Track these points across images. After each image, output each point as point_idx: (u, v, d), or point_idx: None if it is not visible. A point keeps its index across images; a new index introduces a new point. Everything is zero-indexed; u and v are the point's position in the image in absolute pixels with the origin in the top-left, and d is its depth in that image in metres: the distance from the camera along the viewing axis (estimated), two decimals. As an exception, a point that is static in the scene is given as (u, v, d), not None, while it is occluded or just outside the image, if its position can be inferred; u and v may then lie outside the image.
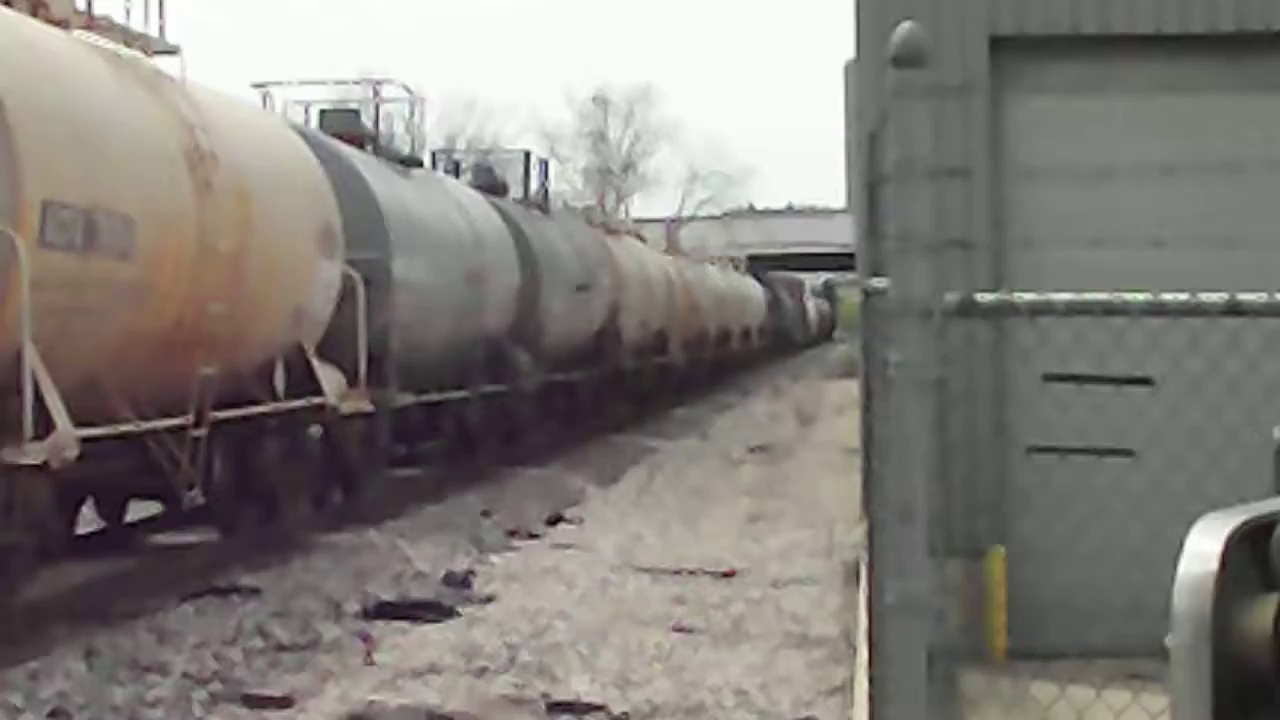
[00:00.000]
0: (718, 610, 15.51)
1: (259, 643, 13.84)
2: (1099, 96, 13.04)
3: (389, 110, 30.38)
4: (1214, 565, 3.32)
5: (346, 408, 20.45)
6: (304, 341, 19.65)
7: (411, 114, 30.26)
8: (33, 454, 13.37)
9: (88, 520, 18.96)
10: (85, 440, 14.01)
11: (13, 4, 15.04)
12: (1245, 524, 3.42)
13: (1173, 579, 3.35)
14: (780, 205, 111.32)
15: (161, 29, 17.54)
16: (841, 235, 74.61)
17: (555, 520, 22.26)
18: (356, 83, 30.04)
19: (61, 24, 15.70)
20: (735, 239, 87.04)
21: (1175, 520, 4.12)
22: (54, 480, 13.97)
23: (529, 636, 14.18)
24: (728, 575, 17.58)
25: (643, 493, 25.85)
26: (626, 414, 40.10)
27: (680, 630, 14.54)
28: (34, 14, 15.32)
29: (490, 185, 32.73)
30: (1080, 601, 11.82)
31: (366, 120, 26.76)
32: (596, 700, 11.95)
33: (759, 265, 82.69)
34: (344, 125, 25.36)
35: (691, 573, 17.70)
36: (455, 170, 33.80)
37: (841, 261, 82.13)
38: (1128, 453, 7.05)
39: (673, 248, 58.24)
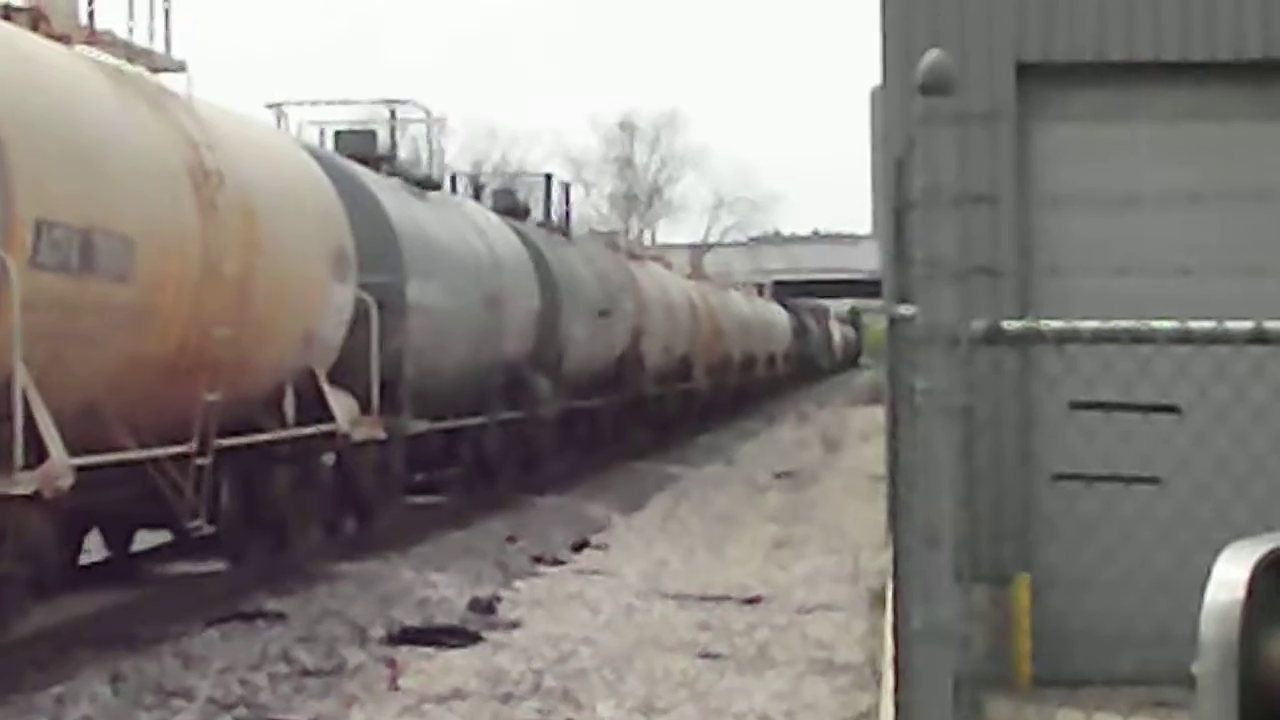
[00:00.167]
0: (743, 636, 15.50)
1: (284, 668, 13.83)
2: (1125, 124, 13.03)
3: (412, 134, 30.23)
4: (1241, 593, 3.33)
5: (359, 435, 19.98)
6: (315, 367, 19.10)
7: (429, 136, 30.03)
8: (24, 484, 12.70)
9: (95, 547, 18.60)
10: (84, 469, 13.41)
11: (13, 18, 14.67)
12: (1272, 552, 3.42)
13: (1199, 606, 3.35)
14: (806, 231, 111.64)
15: (167, 44, 16.87)
16: (867, 262, 74.71)
17: (580, 546, 22.24)
18: (373, 103, 29.75)
19: (63, 39, 15.10)
20: (761, 265, 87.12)
21: (1202, 548, 4.12)
22: (50, 510, 13.38)
23: (554, 662, 14.17)
24: (753, 601, 17.56)
25: (668, 519, 25.82)
26: (649, 441, 39.92)
27: (706, 656, 14.52)
28: (34, 28, 14.82)
29: (511, 208, 32.20)
30: (1106, 628, 11.80)
31: (383, 142, 26.56)
32: (621, 726, 11.96)
33: (784, 291, 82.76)
34: (359, 147, 24.91)
35: (717, 599, 17.69)
36: (477, 193, 33.48)
37: (867, 288, 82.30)
38: (1154, 480, 7.06)
39: (697, 273, 58.20)
